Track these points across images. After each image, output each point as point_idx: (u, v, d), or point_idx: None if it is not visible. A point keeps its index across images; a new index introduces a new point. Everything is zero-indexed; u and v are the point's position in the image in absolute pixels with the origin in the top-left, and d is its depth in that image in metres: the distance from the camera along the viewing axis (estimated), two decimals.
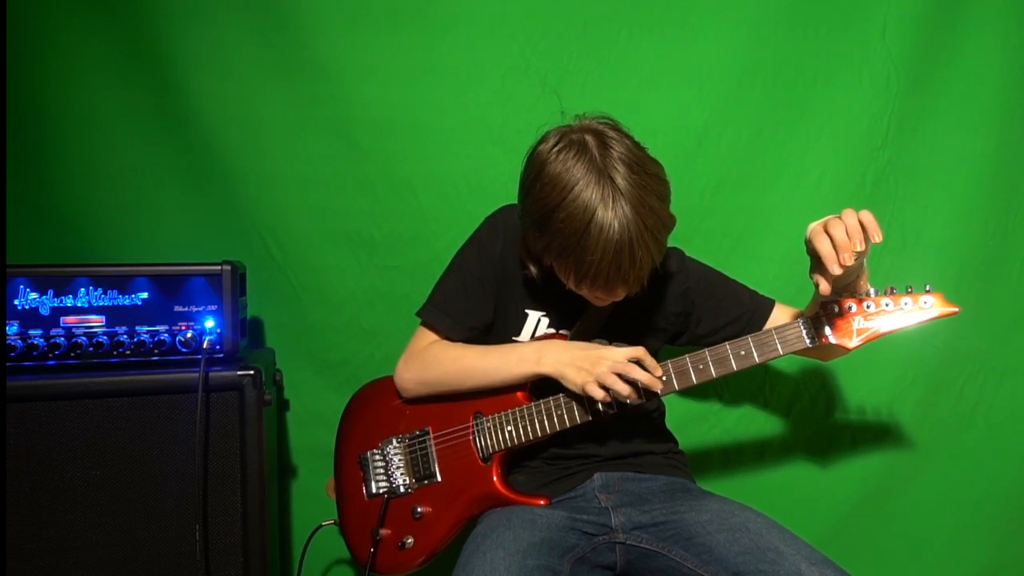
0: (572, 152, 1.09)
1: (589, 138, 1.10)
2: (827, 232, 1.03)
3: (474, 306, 1.33)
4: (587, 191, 1.06)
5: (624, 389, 1.15)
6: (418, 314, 1.37)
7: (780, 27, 1.67)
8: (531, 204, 1.13)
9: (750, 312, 1.35)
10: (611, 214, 1.05)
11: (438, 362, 1.31)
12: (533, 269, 1.25)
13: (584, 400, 1.22)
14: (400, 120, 1.68)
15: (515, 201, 1.24)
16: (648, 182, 1.08)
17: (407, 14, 1.65)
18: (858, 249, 1.01)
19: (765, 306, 1.35)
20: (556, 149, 1.11)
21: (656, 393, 1.19)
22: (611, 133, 1.12)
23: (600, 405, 1.20)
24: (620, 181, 1.06)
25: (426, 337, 1.36)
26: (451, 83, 1.67)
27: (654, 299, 1.33)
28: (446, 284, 1.36)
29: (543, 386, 1.26)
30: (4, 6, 1.50)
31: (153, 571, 1.35)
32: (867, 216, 1.02)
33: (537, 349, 1.25)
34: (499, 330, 1.35)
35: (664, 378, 1.19)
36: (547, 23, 1.67)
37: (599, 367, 1.17)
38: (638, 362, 1.17)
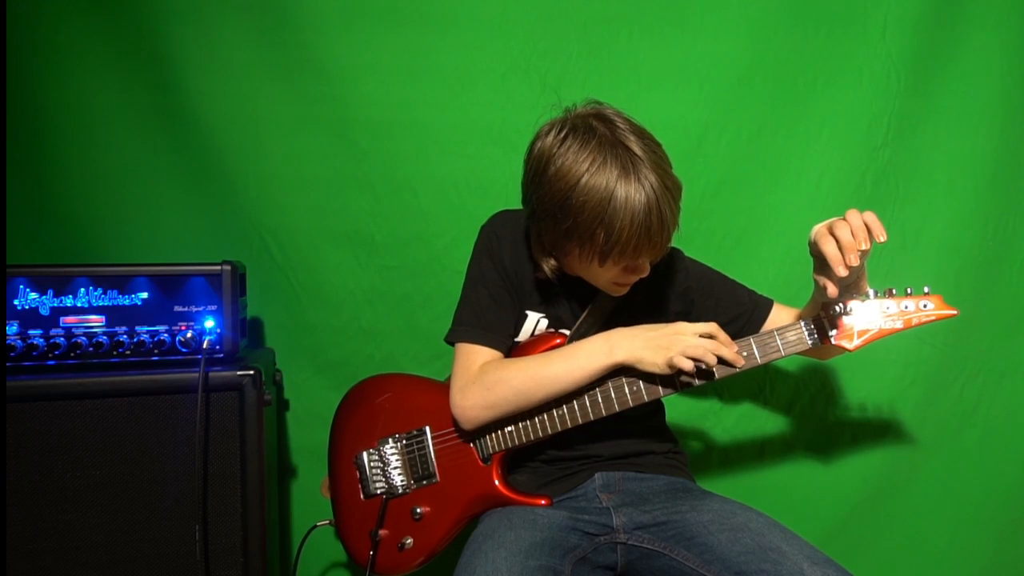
0: (578, 135, 1.10)
1: (591, 120, 1.12)
2: (832, 234, 1.03)
3: (506, 315, 1.30)
4: (606, 164, 1.07)
5: (711, 359, 1.13)
6: (451, 340, 1.30)
7: (780, 27, 1.67)
8: (545, 193, 1.13)
9: (749, 311, 1.35)
10: (634, 178, 1.06)
11: (501, 381, 1.22)
12: (547, 266, 1.23)
13: (586, 399, 1.22)
14: (400, 120, 1.68)
15: (514, 203, 1.25)
16: (656, 148, 1.12)
17: (407, 14, 1.65)
18: (863, 248, 1.01)
19: (764, 305, 1.36)
20: (560, 137, 1.12)
21: (732, 368, 1.16)
22: (608, 111, 1.15)
23: (683, 377, 1.17)
24: (635, 148, 1.08)
25: (472, 358, 1.27)
26: (451, 83, 1.67)
27: (655, 298, 1.33)
28: (473, 301, 1.30)
29: None
30: (4, 6, 1.50)
31: (153, 571, 1.35)
32: (871, 216, 1.02)
33: (604, 340, 1.20)
34: None
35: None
36: (547, 23, 1.67)
37: (678, 344, 1.14)
38: (711, 338, 1.15)
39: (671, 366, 1.14)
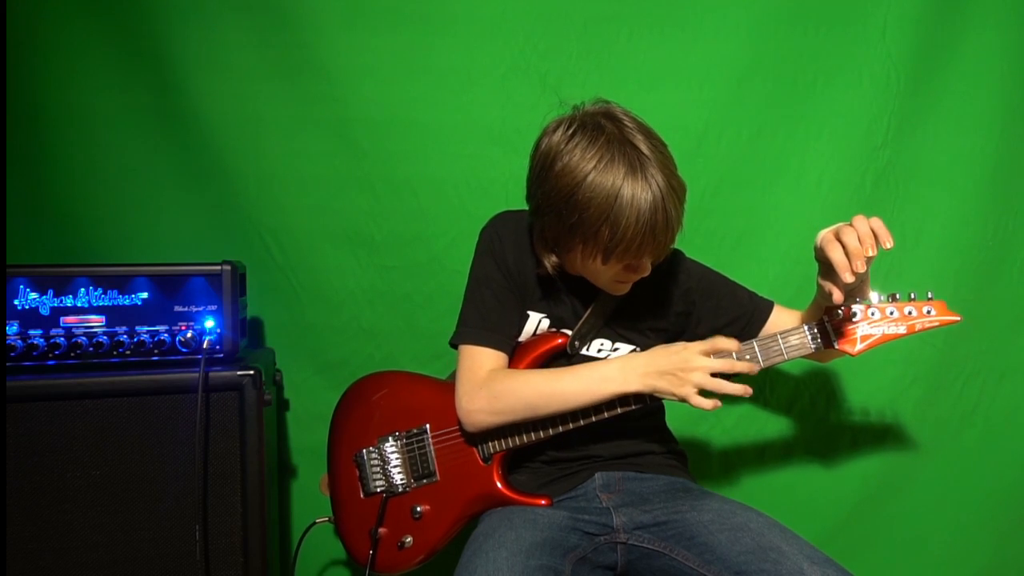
0: (586, 133, 1.11)
1: (599, 118, 1.12)
2: (839, 240, 1.03)
3: (511, 315, 1.30)
4: (614, 162, 1.07)
5: (729, 390, 1.12)
6: (457, 342, 1.30)
7: (780, 27, 1.67)
8: (551, 188, 1.12)
9: (749, 313, 1.35)
10: (641, 177, 1.07)
11: (510, 391, 1.22)
12: (548, 262, 1.22)
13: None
14: (400, 120, 1.68)
15: (514, 203, 1.25)
16: (663, 149, 1.12)
17: (406, 14, 1.65)
18: (870, 254, 1.01)
19: (764, 307, 1.36)
20: (568, 134, 1.12)
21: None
22: (617, 110, 1.15)
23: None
24: (642, 147, 1.08)
25: (478, 361, 1.26)
26: (451, 83, 1.67)
27: (656, 298, 1.33)
28: (478, 301, 1.29)
29: None
30: (4, 6, 1.50)
31: (153, 571, 1.35)
32: (878, 223, 1.03)
33: (620, 368, 1.19)
34: None
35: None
36: (547, 23, 1.67)
37: (693, 376, 1.12)
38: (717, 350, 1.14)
39: (690, 404, 1.13)
